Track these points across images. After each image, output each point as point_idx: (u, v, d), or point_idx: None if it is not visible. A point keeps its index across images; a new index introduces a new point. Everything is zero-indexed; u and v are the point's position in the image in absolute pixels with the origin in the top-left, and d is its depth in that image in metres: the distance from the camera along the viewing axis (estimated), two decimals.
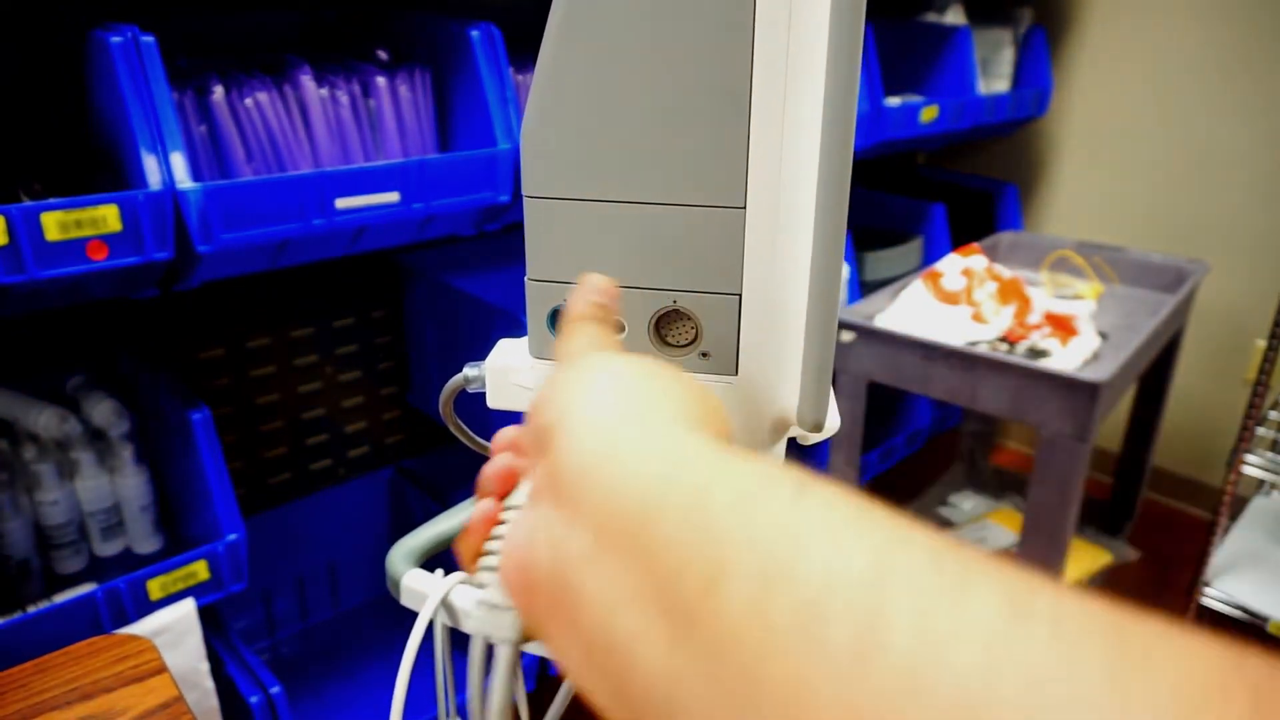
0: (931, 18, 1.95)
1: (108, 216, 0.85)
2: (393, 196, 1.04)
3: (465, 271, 1.52)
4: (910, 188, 2.28)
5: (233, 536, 1.05)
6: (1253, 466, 1.65)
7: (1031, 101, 2.03)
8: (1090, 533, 1.90)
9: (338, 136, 1.09)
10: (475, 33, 1.10)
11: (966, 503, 2.05)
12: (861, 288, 1.85)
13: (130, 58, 0.87)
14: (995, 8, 2.09)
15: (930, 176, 2.36)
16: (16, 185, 0.94)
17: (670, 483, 0.21)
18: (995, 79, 2.06)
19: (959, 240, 1.93)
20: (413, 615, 0.73)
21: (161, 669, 0.66)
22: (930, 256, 2.01)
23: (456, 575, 0.75)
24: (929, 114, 1.74)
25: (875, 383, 1.47)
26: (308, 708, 1.39)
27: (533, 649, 0.31)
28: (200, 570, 1.03)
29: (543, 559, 0.24)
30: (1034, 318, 1.46)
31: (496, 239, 1.51)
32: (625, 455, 0.23)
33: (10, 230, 0.80)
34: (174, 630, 1.01)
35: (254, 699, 1.09)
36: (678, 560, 0.20)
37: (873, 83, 1.65)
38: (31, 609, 0.93)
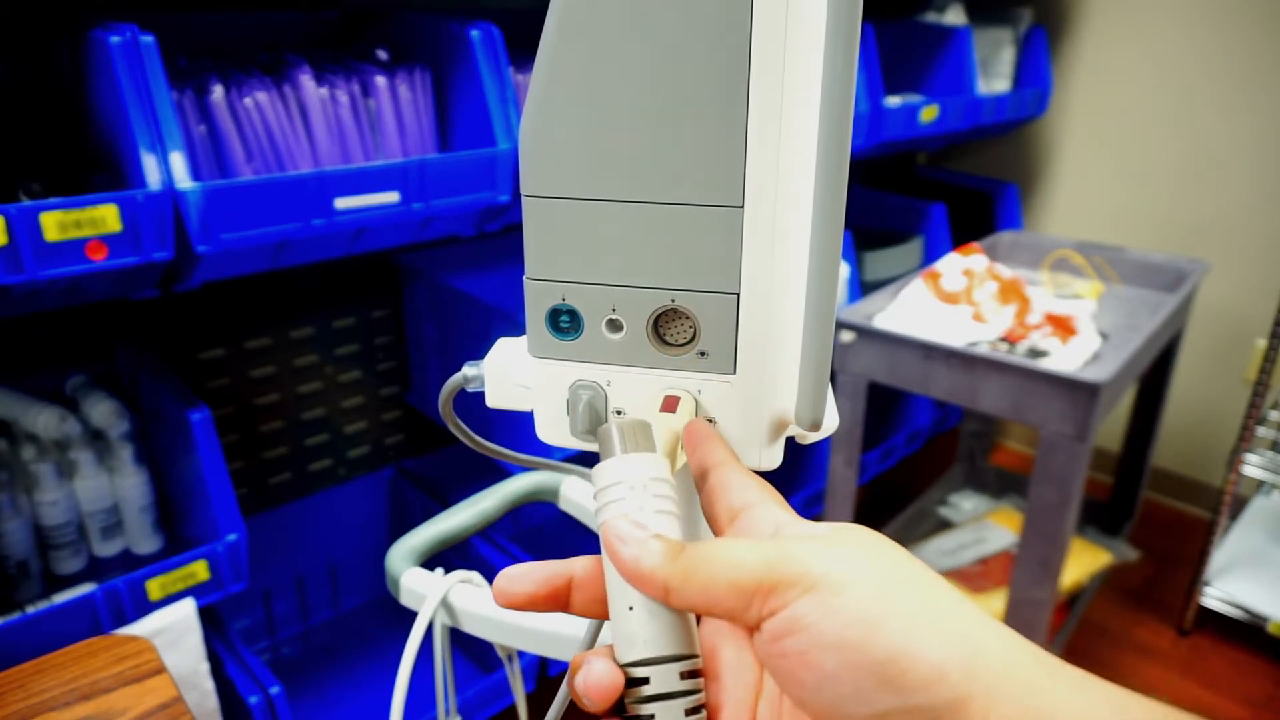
0: (931, 18, 1.95)
1: (107, 217, 0.85)
2: (392, 196, 1.04)
3: (465, 271, 1.52)
4: (910, 187, 2.28)
5: (233, 537, 1.05)
6: (1253, 466, 1.65)
7: (1031, 101, 2.03)
8: (1090, 533, 1.90)
9: (337, 136, 1.08)
10: (475, 33, 1.10)
11: (966, 503, 2.05)
12: (861, 288, 1.85)
13: (130, 58, 0.87)
14: (995, 8, 2.09)
15: (930, 176, 2.36)
16: (16, 185, 0.94)
17: None
18: (995, 79, 2.06)
19: (959, 240, 1.93)
20: (413, 615, 0.73)
21: (160, 669, 0.66)
22: (930, 256, 2.01)
23: (456, 575, 0.75)
24: (929, 114, 1.74)
25: (875, 383, 1.47)
26: (308, 708, 1.39)
27: None
28: (200, 570, 1.03)
29: None
30: (1034, 318, 1.46)
31: (496, 239, 1.51)
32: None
33: (10, 230, 0.80)
34: (173, 630, 1.01)
35: (254, 699, 1.09)
36: None
37: (873, 83, 1.65)
38: (30, 609, 0.93)
